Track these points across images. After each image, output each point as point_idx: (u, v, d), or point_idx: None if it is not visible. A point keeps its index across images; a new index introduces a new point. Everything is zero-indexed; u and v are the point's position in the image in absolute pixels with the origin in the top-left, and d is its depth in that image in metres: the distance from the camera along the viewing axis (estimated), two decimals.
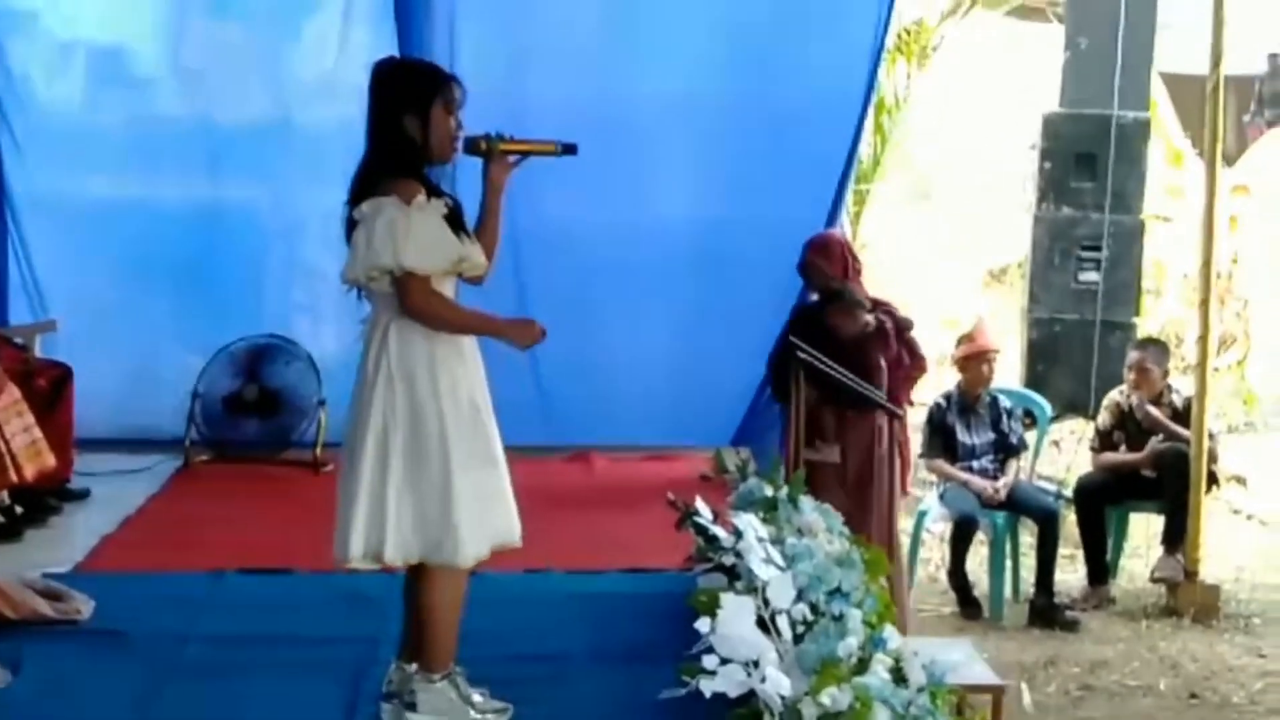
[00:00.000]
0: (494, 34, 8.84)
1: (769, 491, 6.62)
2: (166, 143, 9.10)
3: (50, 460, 7.38)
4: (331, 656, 5.65)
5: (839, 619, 5.11)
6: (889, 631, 5.08)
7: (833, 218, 9.07)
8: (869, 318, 7.61)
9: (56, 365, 8.08)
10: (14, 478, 7.16)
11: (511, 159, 5.23)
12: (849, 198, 9.68)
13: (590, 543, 7.34)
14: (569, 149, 5.30)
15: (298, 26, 9.28)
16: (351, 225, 4.91)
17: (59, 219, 9.05)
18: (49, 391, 7.78)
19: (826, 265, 7.73)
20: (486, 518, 4.94)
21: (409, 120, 4.91)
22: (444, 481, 4.85)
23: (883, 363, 7.61)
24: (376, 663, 5.37)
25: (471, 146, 5.14)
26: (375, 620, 5.74)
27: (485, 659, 5.26)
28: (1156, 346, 9.38)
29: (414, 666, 5.03)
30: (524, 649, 5.73)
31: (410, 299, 4.85)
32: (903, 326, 7.77)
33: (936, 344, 12.46)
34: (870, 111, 10.58)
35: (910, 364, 7.76)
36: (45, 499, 7.64)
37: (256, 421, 8.90)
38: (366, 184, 4.91)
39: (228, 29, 9.28)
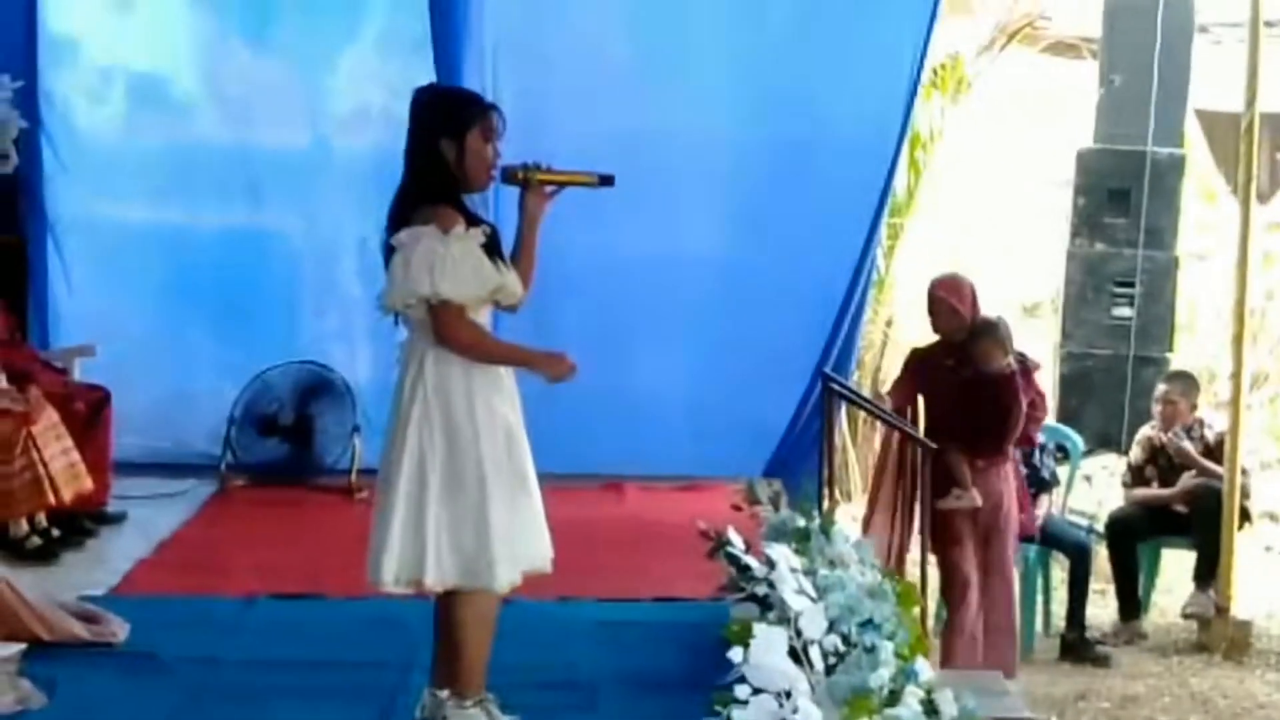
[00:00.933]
0: (529, 66, 8.88)
1: (801, 522, 6.63)
2: (205, 169, 9.19)
3: (88, 483, 7.45)
4: (363, 682, 5.68)
5: (871, 650, 5.11)
6: (920, 664, 5.09)
7: (866, 251, 9.10)
8: (1010, 359, 7.57)
9: (95, 389, 8.14)
10: (52, 500, 7.22)
11: (549, 190, 5.24)
12: (883, 232, 9.69)
13: (622, 572, 7.36)
14: (606, 180, 5.29)
15: (335, 56, 9.36)
16: (390, 252, 4.94)
17: (99, 244, 9.13)
18: (87, 415, 7.84)
19: (960, 304, 7.69)
20: (520, 544, 4.97)
21: (445, 145, 4.94)
22: (480, 508, 4.87)
23: (1024, 404, 7.56)
24: (408, 689, 5.39)
25: (509, 176, 5.14)
26: (407, 646, 5.76)
27: (517, 686, 5.27)
28: (1183, 380, 9.37)
29: (446, 692, 5.04)
30: (555, 677, 5.75)
31: (444, 328, 4.88)
32: (1030, 369, 7.78)
33: None
34: (905, 146, 10.63)
35: (1039, 406, 7.79)
36: (82, 522, 7.69)
37: (291, 447, 8.95)
38: (403, 210, 4.94)
39: (266, 57, 9.38)
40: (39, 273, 9.03)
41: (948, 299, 7.75)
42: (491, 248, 4.98)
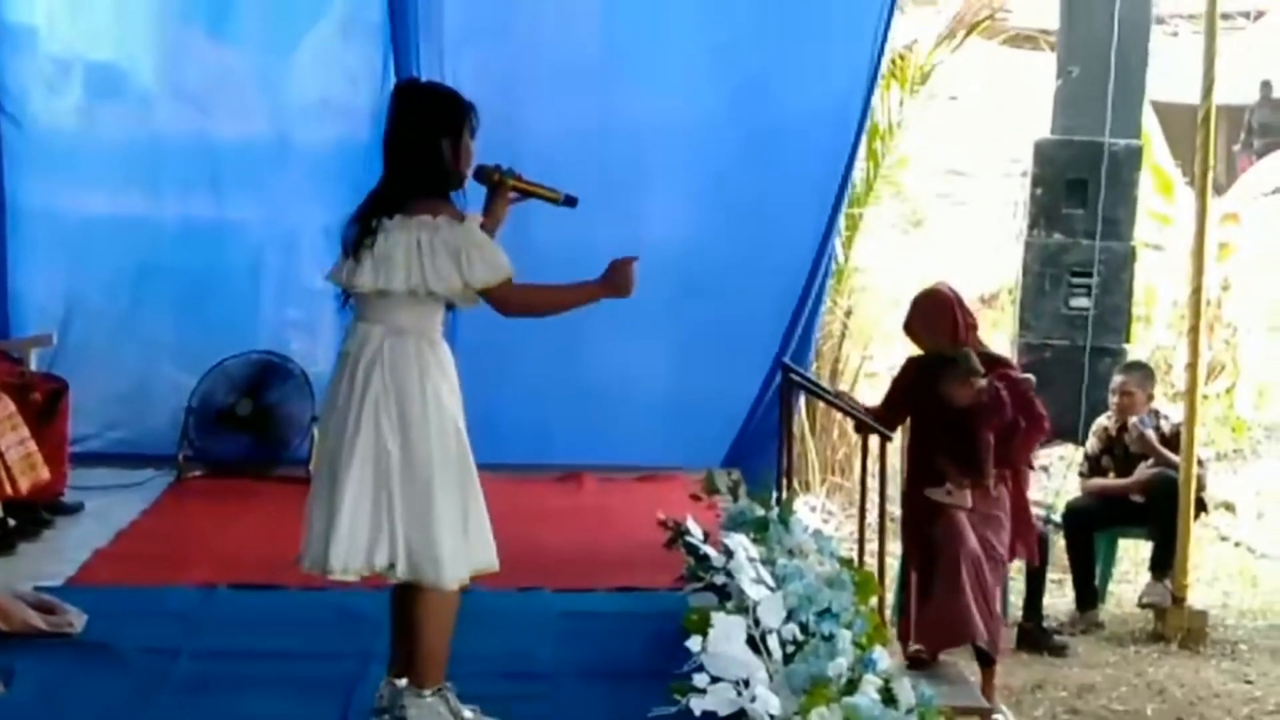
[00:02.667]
0: (488, 56, 8.88)
1: (760, 512, 6.66)
2: (164, 160, 9.15)
3: (44, 474, 7.41)
4: (322, 672, 5.67)
5: (829, 639, 5.14)
6: (879, 652, 5.12)
7: (825, 241, 9.13)
8: (983, 383, 7.32)
9: (52, 379, 8.11)
10: (8, 490, 7.19)
11: (513, 195, 5.30)
12: (841, 222, 9.72)
13: (581, 562, 7.35)
14: (570, 201, 5.37)
15: (294, 46, 9.31)
16: (363, 237, 4.93)
17: (56, 233, 9.09)
18: (44, 405, 7.79)
19: (933, 333, 7.56)
20: (467, 542, 4.97)
21: (445, 144, 4.97)
22: (427, 504, 4.89)
23: (990, 438, 7.32)
24: (367, 678, 5.38)
25: (482, 174, 5.19)
26: (365, 636, 5.73)
27: (476, 676, 5.28)
28: (1140, 371, 9.42)
29: (404, 682, 5.04)
30: (515, 667, 5.75)
31: (507, 307, 5.04)
32: (1021, 388, 7.50)
33: None
34: (863, 137, 10.66)
35: (1029, 426, 7.43)
36: (38, 512, 7.65)
37: (249, 438, 8.92)
38: (392, 203, 4.95)
39: (225, 46, 9.33)
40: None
41: (919, 328, 7.68)
42: None
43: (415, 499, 4.88)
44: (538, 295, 5.16)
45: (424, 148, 4.98)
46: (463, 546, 4.94)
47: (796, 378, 8.42)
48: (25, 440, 7.34)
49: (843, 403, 8.00)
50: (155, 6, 9.30)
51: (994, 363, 7.61)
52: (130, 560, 7.27)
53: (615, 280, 5.14)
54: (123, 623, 6.12)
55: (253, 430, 8.92)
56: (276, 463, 8.87)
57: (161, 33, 9.35)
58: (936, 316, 7.60)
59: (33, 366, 8.26)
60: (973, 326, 7.72)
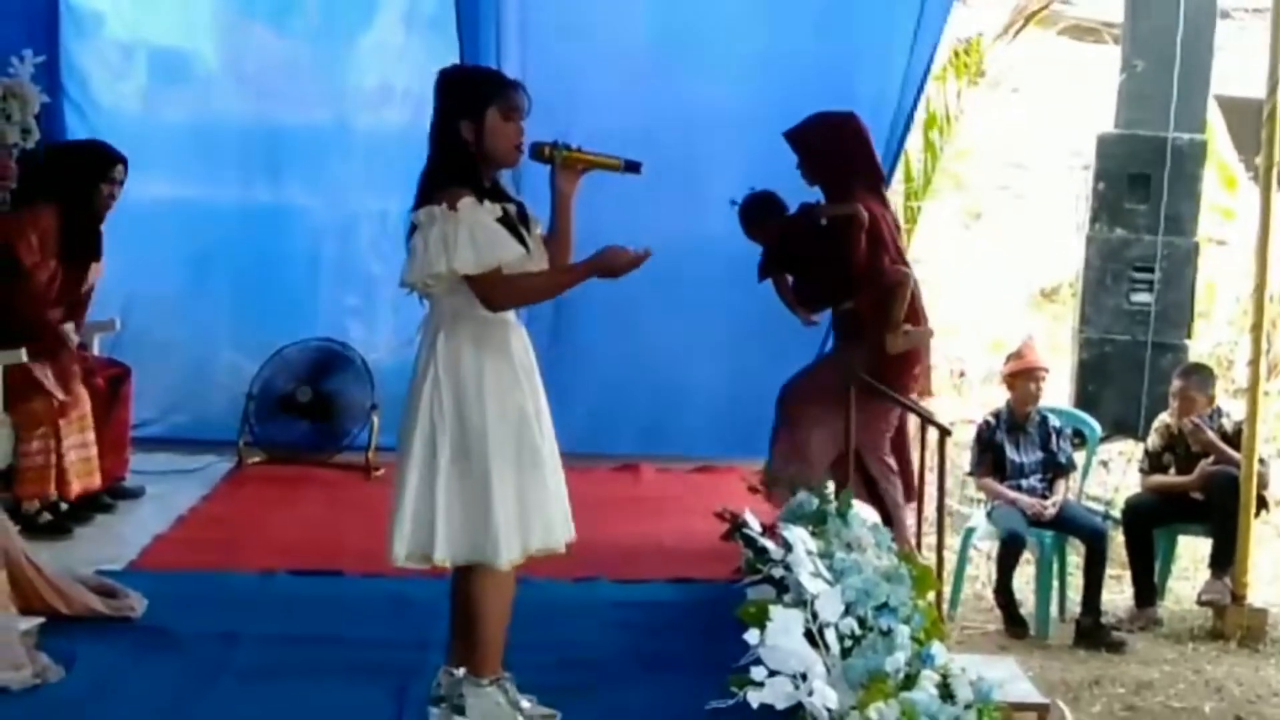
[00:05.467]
0: (555, 43, 8.87)
1: (818, 505, 6.64)
2: (226, 146, 9.21)
3: (96, 480, 7.49)
4: (380, 659, 5.69)
5: (887, 634, 5.13)
6: (936, 648, 5.10)
7: None
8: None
9: (115, 364, 8.18)
10: (54, 493, 7.27)
11: (578, 169, 5.22)
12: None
13: (638, 552, 7.37)
14: (632, 167, 5.28)
15: (358, 34, 9.37)
16: (411, 230, 4.97)
17: (120, 219, 9.06)
18: (107, 391, 7.87)
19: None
20: (528, 522, 4.98)
21: (464, 126, 4.95)
22: (484, 484, 4.89)
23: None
24: (425, 666, 5.39)
25: (537, 152, 5.13)
26: (423, 624, 5.77)
27: (533, 666, 5.30)
28: (1200, 373, 9.33)
29: (462, 671, 5.05)
30: (572, 656, 5.77)
31: (488, 299, 4.93)
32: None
33: (985, 363, 12.50)
34: (921, 129, 10.63)
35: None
36: (100, 497, 7.72)
37: (309, 424, 8.97)
38: (426, 191, 4.96)
39: (288, 33, 9.40)
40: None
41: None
42: (513, 223, 5.00)
43: (474, 482, 4.89)
44: (526, 284, 5.03)
45: (444, 131, 5.00)
46: (517, 526, 4.95)
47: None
48: (89, 444, 7.44)
49: (902, 399, 7.96)
50: None
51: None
52: (190, 545, 7.33)
53: (604, 260, 5.06)
54: (182, 607, 6.18)
55: (312, 416, 8.97)
56: (336, 449, 8.92)
57: (224, 19, 9.45)
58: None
59: (96, 352, 8.31)
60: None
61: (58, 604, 5.88)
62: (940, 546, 7.42)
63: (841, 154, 7.67)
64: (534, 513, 5.00)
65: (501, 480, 4.90)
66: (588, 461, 8.46)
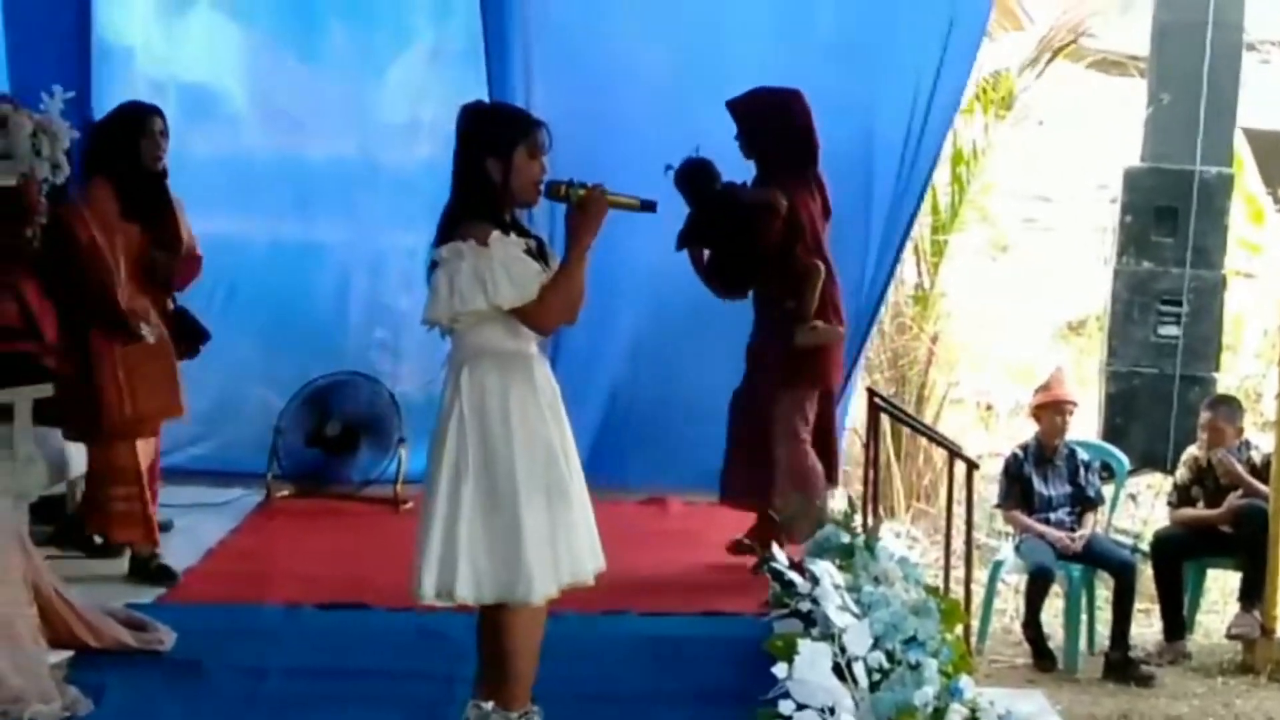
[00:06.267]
0: (578, 79, 8.90)
1: (845, 538, 6.64)
2: (255, 181, 9.25)
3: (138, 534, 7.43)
4: (407, 693, 5.72)
5: (915, 668, 5.12)
6: (965, 681, 5.09)
7: (893, 266, 9.12)
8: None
9: None
10: (97, 536, 7.29)
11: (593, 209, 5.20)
12: (908, 246, 9.68)
13: (666, 586, 7.38)
14: (649, 206, 5.28)
15: (385, 69, 9.42)
16: (432, 266, 4.99)
17: None
18: None
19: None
20: (558, 556, 4.98)
21: (491, 163, 4.98)
22: (514, 520, 4.90)
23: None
24: (452, 700, 5.41)
25: (553, 191, 5.11)
26: (451, 658, 5.78)
27: (561, 699, 5.29)
28: (1228, 405, 9.31)
29: (490, 704, 5.05)
30: (600, 690, 5.79)
31: (538, 324, 5.00)
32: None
33: (1012, 395, 12.47)
34: (948, 163, 10.62)
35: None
36: None
37: (337, 457, 8.98)
38: (448, 227, 4.99)
39: (316, 69, 9.45)
40: None
41: None
42: (537, 255, 5.02)
43: (502, 517, 4.90)
44: (556, 297, 4.98)
45: (470, 168, 5.02)
46: (550, 561, 4.95)
47: (882, 404, 8.40)
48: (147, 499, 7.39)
49: (929, 430, 7.96)
50: (248, 30, 9.43)
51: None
52: (219, 578, 7.35)
53: (586, 225, 5.02)
54: (211, 641, 6.21)
55: (340, 450, 8.98)
56: (364, 483, 8.93)
57: (253, 56, 9.50)
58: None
59: None
60: None
61: (87, 637, 5.91)
62: (968, 579, 7.42)
63: (780, 132, 7.64)
64: (563, 546, 5.00)
65: (531, 516, 4.91)
66: (614, 495, 8.45)
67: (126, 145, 7.20)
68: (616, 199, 5.16)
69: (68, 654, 5.78)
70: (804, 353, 7.57)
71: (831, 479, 7.88)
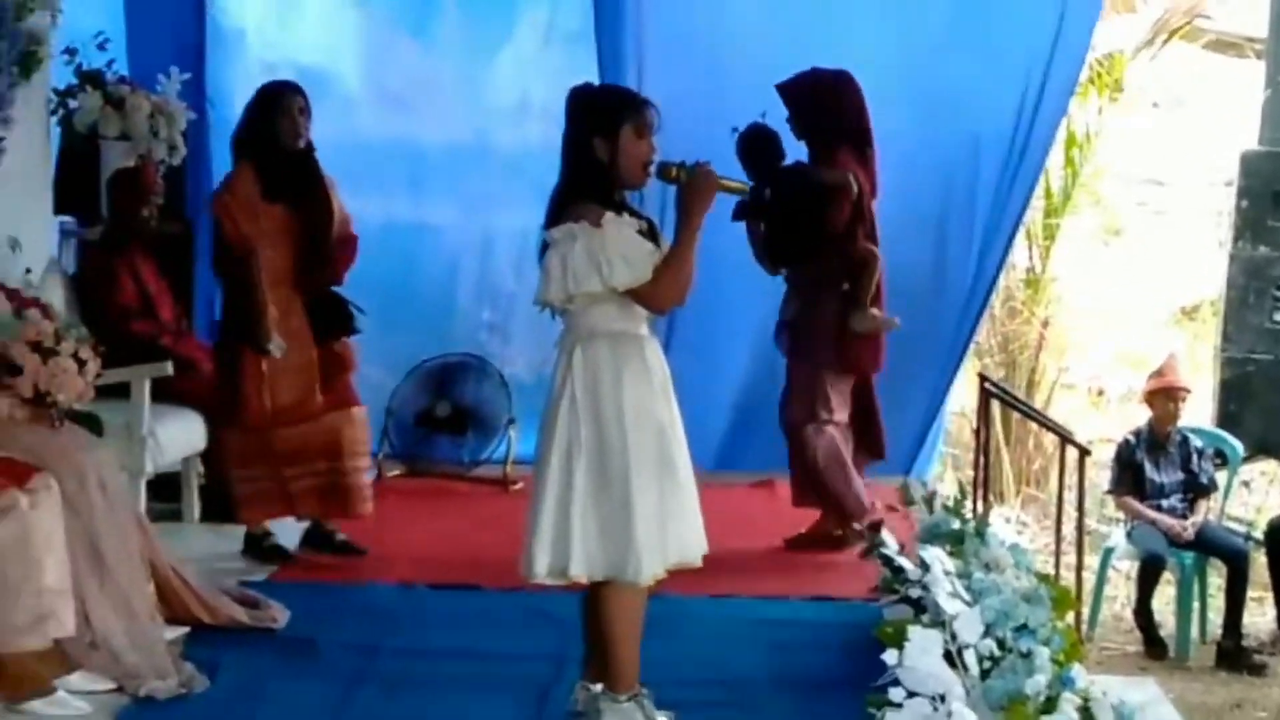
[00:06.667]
0: (689, 60, 8.89)
1: (956, 525, 6.61)
2: (367, 163, 9.26)
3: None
4: (518, 673, 5.72)
5: (1026, 656, 5.09)
6: (1077, 670, 5.06)
7: (1005, 251, 9.06)
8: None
9: None
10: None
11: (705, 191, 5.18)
12: (1027, 230, 9.60)
13: (775, 569, 7.37)
14: (759, 193, 5.27)
15: (496, 49, 9.46)
16: (544, 248, 5.01)
17: None
18: None
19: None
20: (666, 537, 4.98)
21: (599, 144, 4.97)
22: (625, 500, 4.90)
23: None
24: (561, 681, 5.44)
25: (663, 173, 5.06)
26: (561, 639, 5.79)
27: (669, 682, 5.29)
28: None
29: (599, 686, 5.07)
30: (709, 674, 5.76)
31: (654, 304, 5.00)
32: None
33: (1125, 381, 12.36)
34: (1061, 146, 10.52)
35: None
36: None
37: (448, 438, 9.04)
38: (558, 208, 5.00)
39: (428, 51, 9.49)
40: (205, 263, 9.16)
41: None
42: (650, 236, 5.02)
43: (613, 497, 4.91)
44: (670, 278, 4.94)
45: (578, 149, 5.02)
46: (658, 542, 4.95)
47: (994, 390, 8.35)
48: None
49: (1041, 416, 7.90)
50: (361, 11, 9.50)
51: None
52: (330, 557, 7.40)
53: (698, 201, 4.98)
54: (324, 619, 6.26)
55: (451, 430, 9.03)
56: (474, 463, 8.98)
57: (367, 37, 9.55)
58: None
59: None
60: None
61: (202, 614, 5.98)
62: (1079, 566, 7.37)
63: (834, 113, 7.56)
64: (672, 527, 5.00)
65: (642, 496, 4.91)
66: (723, 478, 8.46)
67: (264, 126, 7.21)
68: (726, 182, 5.15)
69: (183, 630, 5.87)
70: (852, 338, 7.52)
71: (877, 454, 7.90)
